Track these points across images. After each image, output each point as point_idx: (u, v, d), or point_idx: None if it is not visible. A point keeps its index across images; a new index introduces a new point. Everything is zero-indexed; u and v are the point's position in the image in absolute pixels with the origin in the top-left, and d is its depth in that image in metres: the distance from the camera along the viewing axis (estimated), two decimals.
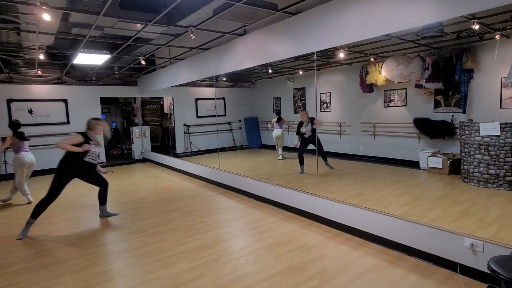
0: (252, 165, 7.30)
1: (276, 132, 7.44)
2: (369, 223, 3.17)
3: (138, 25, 4.37)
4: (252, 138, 10.18)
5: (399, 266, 2.67)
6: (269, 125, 8.51)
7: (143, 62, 6.45)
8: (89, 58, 6.00)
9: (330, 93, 7.79)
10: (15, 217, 4.37)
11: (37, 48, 5.17)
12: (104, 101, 9.21)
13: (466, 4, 2.37)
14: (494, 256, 1.52)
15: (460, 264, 2.48)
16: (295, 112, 8.60)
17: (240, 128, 10.22)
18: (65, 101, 8.01)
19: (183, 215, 4.21)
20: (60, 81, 8.27)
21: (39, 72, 7.26)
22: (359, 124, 7.22)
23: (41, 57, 5.58)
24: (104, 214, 4.23)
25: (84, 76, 8.65)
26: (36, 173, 7.48)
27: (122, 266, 2.84)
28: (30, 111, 7.55)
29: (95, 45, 5.60)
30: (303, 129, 5.83)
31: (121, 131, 11.31)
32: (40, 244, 3.39)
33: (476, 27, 3.46)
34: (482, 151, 4.52)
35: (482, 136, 4.50)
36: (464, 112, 5.38)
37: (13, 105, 7.35)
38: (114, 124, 11.20)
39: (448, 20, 2.63)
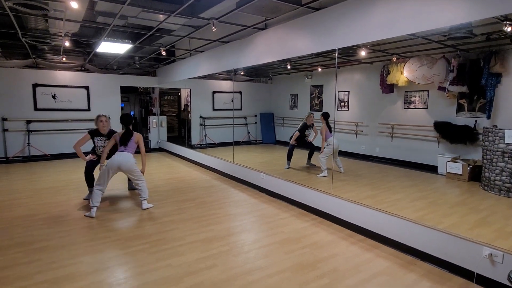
0: (266, 160, 7.30)
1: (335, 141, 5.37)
2: (383, 225, 3.12)
3: (161, 15, 4.41)
4: (267, 134, 10.16)
5: (412, 270, 2.63)
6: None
7: (163, 53, 6.53)
8: (112, 47, 6.13)
9: (349, 91, 7.66)
10: (36, 198, 4.54)
11: (63, 35, 5.32)
12: (124, 90, 9.39)
13: (501, 4, 2.27)
14: None
15: (476, 273, 2.41)
16: (311, 109, 8.51)
17: (255, 123, 10.22)
18: (87, 88, 8.22)
19: (196, 205, 4.27)
20: (83, 68, 8.50)
21: (64, 59, 7.48)
22: (377, 125, 7.07)
23: (67, 44, 5.73)
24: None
25: (106, 65, 8.85)
26: (59, 157, 7.76)
27: (135, 251, 2.91)
28: (54, 96, 7.80)
29: (118, 34, 5.70)
30: (307, 132, 6.21)
31: (139, 120, 11.55)
32: (59, 225, 3.52)
33: (509, 29, 3.29)
34: (506, 159, 4.35)
35: (507, 143, 4.33)
36: (488, 117, 5.18)
37: (38, 89, 7.60)
38: (132, 113, 11.45)
39: (479, 21, 2.53)
